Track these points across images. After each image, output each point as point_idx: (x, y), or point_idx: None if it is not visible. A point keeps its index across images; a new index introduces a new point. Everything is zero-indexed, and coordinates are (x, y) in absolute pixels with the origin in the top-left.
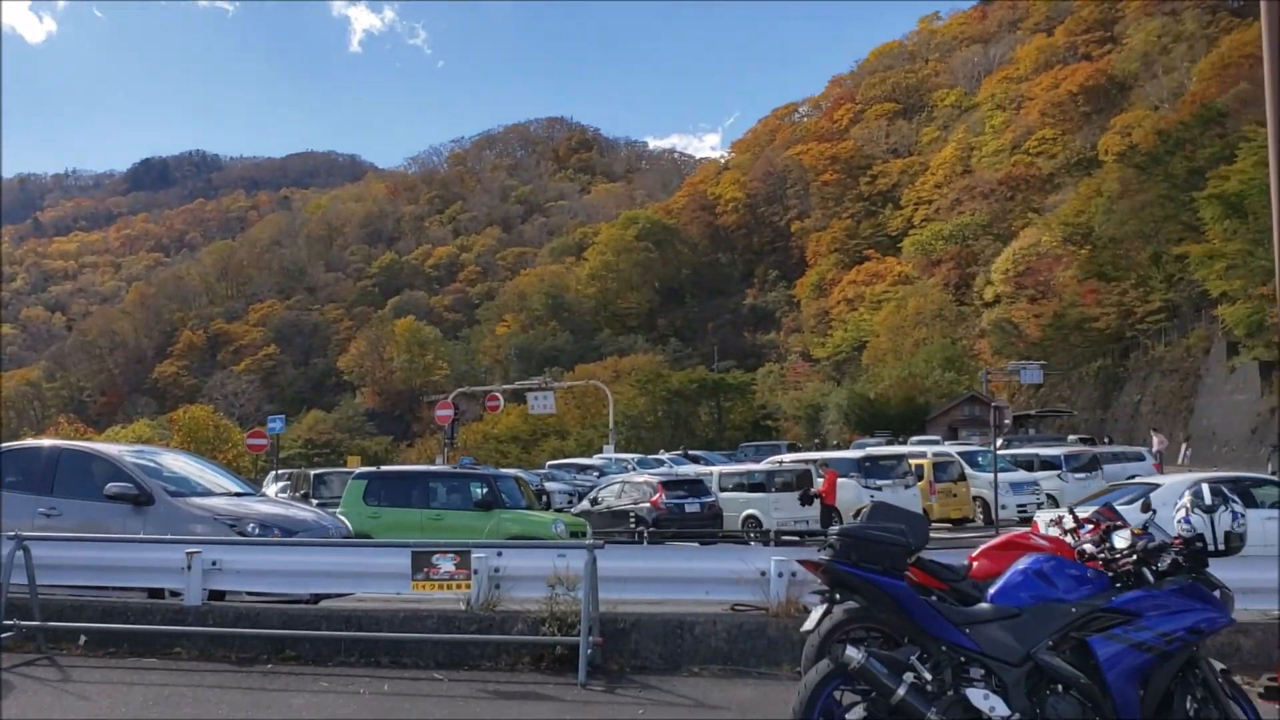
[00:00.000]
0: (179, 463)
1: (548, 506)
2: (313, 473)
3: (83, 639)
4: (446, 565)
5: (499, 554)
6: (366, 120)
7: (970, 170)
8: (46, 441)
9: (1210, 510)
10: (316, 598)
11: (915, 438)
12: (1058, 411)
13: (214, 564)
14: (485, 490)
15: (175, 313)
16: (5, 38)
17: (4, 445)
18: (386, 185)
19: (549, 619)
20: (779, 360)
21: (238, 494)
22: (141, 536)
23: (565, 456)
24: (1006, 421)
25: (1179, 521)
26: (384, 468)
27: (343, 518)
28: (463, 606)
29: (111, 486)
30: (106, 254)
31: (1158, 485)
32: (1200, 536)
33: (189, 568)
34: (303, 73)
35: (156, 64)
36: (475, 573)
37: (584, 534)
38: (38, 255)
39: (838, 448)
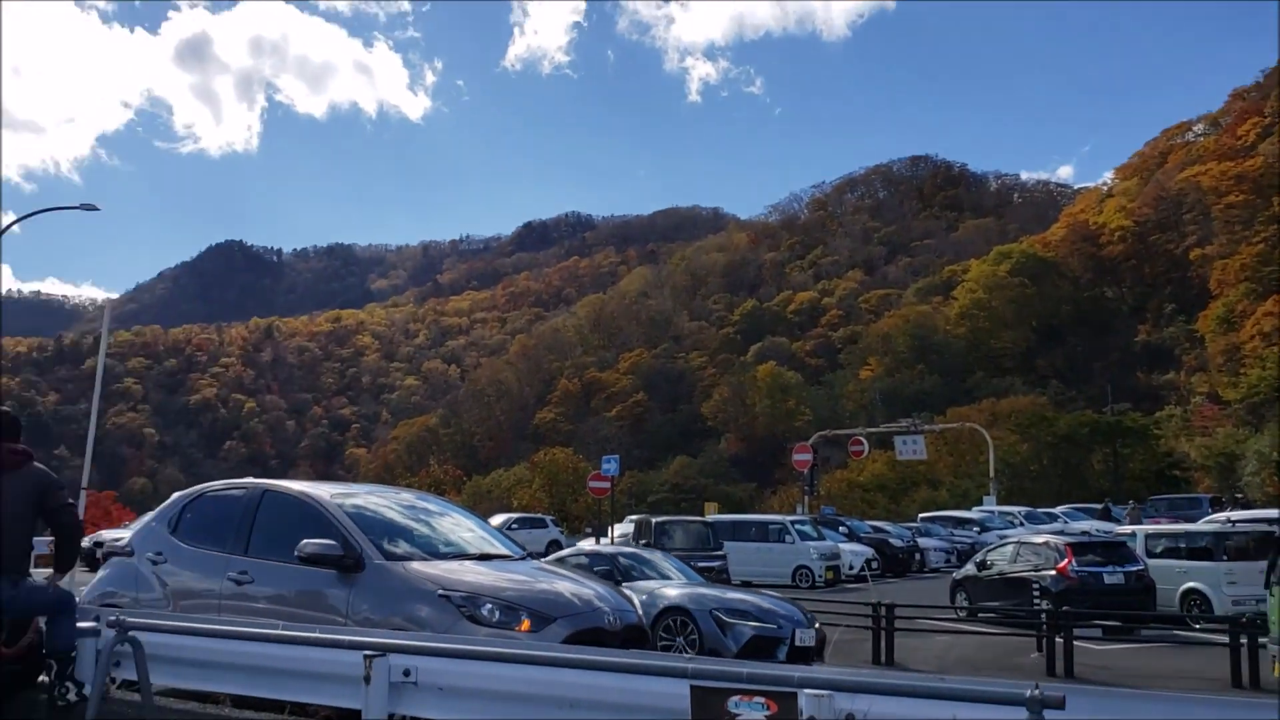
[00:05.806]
0: (420, 512)
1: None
2: (654, 520)
3: None
4: (753, 714)
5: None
6: (724, 173)
7: None
8: (249, 481)
9: None
10: None
11: None
12: None
13: (406, 674)
14: None
15: (553, 363)
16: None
17: (205, 486)
18: (748, 234)
19: None
20: (1180, 403)
21: (489, 557)
22: (259, 631)
23: (938, 508)
24: None
25: None
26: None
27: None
28: None
29: (307, 545)
30: (494, 310)
31: None
32: None
33: (367, 679)
34: (653, 128)
35: (525, 133)
36: None
37: None
38: (436, 313)
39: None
